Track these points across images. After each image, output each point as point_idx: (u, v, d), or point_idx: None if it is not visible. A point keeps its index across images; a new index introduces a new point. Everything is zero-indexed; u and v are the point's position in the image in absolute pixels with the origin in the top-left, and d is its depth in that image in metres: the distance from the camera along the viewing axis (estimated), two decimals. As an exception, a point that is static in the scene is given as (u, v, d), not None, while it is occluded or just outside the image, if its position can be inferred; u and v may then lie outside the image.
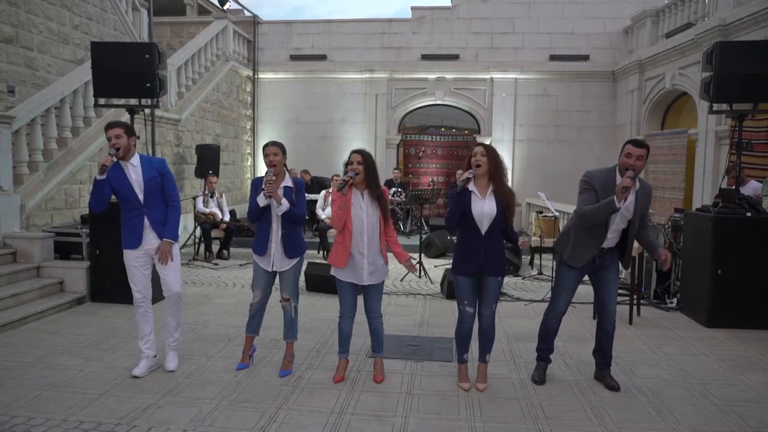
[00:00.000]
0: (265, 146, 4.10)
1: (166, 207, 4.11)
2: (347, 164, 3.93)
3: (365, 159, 3.90)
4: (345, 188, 3.83)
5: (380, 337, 4.14)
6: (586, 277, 4.08)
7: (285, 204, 3.99)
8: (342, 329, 4.08)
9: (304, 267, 7.23)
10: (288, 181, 4.14)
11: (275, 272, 4.18)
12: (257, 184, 4.03)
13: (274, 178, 3.96)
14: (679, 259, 6.44)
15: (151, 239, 4.07)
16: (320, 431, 3.35)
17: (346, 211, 3.87)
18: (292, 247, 4.14)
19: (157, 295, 4.64)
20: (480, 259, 3.78)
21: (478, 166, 3.74)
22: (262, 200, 3.96)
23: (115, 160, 3.90)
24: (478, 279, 3.86)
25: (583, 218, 3.83)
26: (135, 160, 4.03)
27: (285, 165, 4.18)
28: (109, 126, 3.99)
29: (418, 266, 7.91)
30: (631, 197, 3.77)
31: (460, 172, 4.10)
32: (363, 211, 3.89)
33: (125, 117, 7.29)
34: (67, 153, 7.80)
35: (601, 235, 3.85)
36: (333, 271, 4.02)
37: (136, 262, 4.09)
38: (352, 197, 3.90)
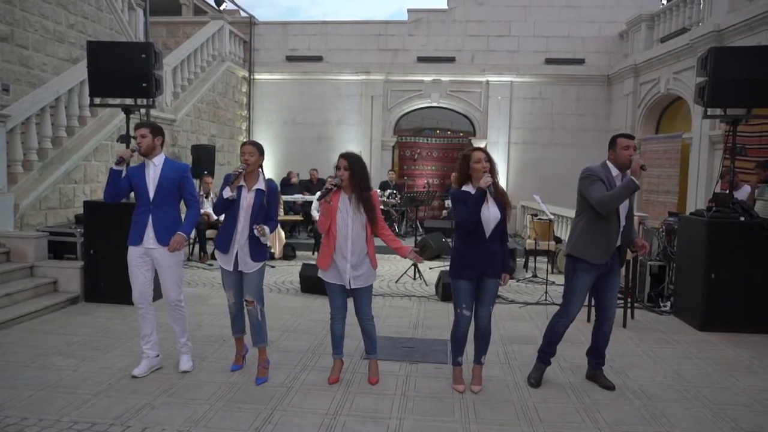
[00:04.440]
0: (243, 145, 4.07)
1: (176, 211, 4.19)
2: (336, 168, 3.93)
3: (351, 164, 3.87)
4: (329, 196, 3.84)
5: (373, 339, 4.14)
6: None
7: (267, 232, 3.97)
8: (334, 331, 4.10)
9: (299, 269, 7.30)
10: (261, 184, 4.04)
11: (240, 272, 4.08)
12: (228, 179, 3.98)
13: (241, 171, 3.92)
14: (673, 263, 6.47)
15: (150, 239, 4.07)
16: (315, 433, 3.36)
17: (329, 218, 3.88)
18: (258, 251, 4.03)
19: (157, 294, 4.62)
20: (483, 263, 3.80)
21: (487, 172, 3.74)
22: (227, 192, 3.91)
23: (133, 155, 4.10)
24: (476, 282, 3.87)
25: (605, 203, 3.79)
26: (158, 159, 4.14)
27: (261, 167, 4.09)
28: (137, 126, 4.17)
29: (413, 268, 7.93)
30: None
31: (454, 175, 4.11)
32: (349, 215, 3.89)
33: (120, 116, 7.28)
34: (62, 152, 7.77)
35: (616, 222, 3.87)
36: (320, 273, 4.04)
37: (136, 262, 4.12)
38: (340, 201, 3.90)
